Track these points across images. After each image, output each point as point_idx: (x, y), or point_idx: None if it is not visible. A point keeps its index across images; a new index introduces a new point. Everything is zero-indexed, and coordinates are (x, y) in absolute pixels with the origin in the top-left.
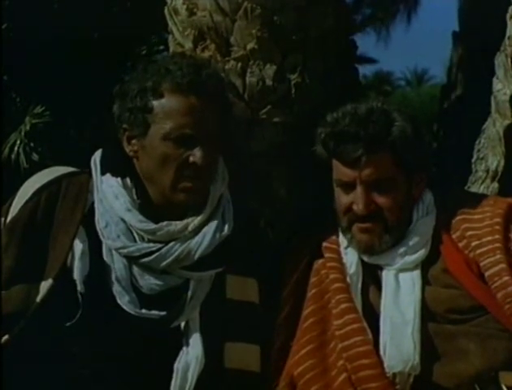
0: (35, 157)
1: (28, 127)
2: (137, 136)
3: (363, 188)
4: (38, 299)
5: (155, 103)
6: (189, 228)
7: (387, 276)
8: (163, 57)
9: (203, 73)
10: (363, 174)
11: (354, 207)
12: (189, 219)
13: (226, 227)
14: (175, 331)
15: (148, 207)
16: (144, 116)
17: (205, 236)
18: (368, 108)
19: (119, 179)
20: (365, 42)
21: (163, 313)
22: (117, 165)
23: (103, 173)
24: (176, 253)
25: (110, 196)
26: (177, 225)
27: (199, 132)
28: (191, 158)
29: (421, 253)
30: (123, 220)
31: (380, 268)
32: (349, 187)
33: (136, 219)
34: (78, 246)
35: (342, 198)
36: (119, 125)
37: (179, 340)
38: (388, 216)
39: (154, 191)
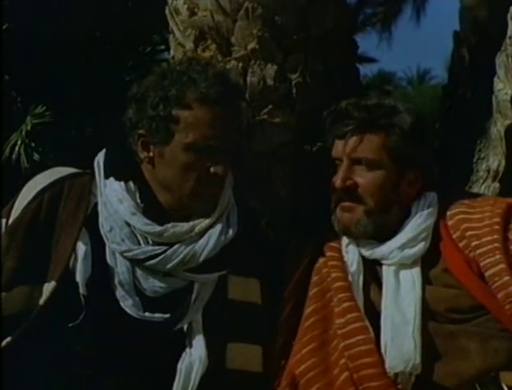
0: (36, 157)
1: (28, 128)
2: (156, 144)
3: (346, 162)
4: (41, 301)
5: (179, 113)
6: (196, 230)
7: (387, 274)
8: (179, 63)
9: (228, 84)
10: (347, 147)
11: (334, 181)
12: (196, 221)
13: (230, 229)
14: (178, 332)
15: (151, 211)
16: (167, 125)
17: (210, 239)
18: (379, 102)
19: (122, 183)
20: (366, 42)
21: (167, 315)
22: (121, 169)
23: (107, 177)
24: (181, 256)
25: (114, 200)
26: (183, 226)
27: (223, 144)
28: (212, 169)
29: (420, 248)
30: (127, 224)
31: (381, 265)
32: (339, 165)
33: (141, 222)
34: (81, 248)
35: (334, 177)
36: (135, 130)
37: (182, 341)
38: (364, 196)
39: (169, 197)
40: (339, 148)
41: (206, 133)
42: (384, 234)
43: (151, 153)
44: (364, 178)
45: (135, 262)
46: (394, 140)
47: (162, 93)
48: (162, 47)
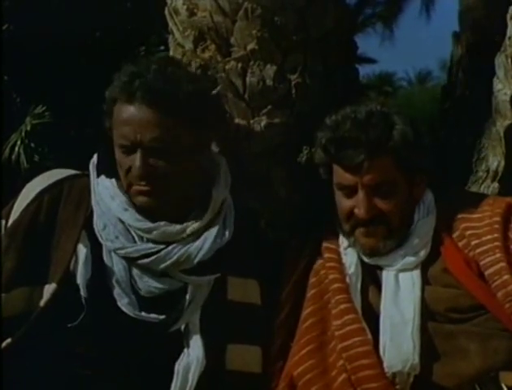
0: (35, 157)
1: (28, 128)
2: (112, 139)
3: (365, 192)
4: (42, 303)
5: (114, 110)
6: (187, 231)
7: (387, 276)
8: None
9: (136, 82)
10: (365, 179)
11: (356, 211)
12: (189, 223)
13: (227, 232)
14: (175, 332)
15: (145, 209)
16: (109, 121)
17: (205, 241)
18: (368, 111)
19: (113, 180)
20: (366, 42)
21: (162, 316)
22: (111, 166)
23: (99, 175)
24: (176, 257)
25: (107, 197)
26: (175, 227)
27: (135, 142)
28: (132, 168)
29: (421, 254)
30: (120, 221)
31: (380, 268)
32: (350, 191)
33: (133, 218)
34: (82, 251)
35: (343, 202)
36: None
37: (179, 342)
38: (390, 220)
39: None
40: (349, 177)
41: (122, 132)
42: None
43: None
44: (385, 203)
45: (129, 260)
46: (401, 156)
47: (107, 92)
48: (162, 48)
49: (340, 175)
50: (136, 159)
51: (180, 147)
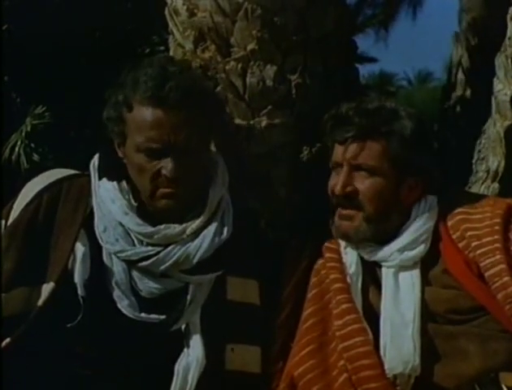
0: (35, 157)
1: (28, 128)
2: (119, 144)
3: (347, 169)
4: (40, 302)
5: (127, 115)
6: (187, 232)
7: (386, 276)
8: (146, 63)
9: (167, 86)
10: (348, 154)
11: (335, 188)
12: (188, 223)
13: (225, 230)
14: (175, 332)
15: (146, 210)
16: (119, 127)
17: (204, 240)
18: (380, 105)
19: (115, 183)
20: (367, 42)
21: (163, 317)
22: (113, 169)
23: (100, 177)
24: (175, 257)
25: (107, 200)
26: (175, 228)
27: (167, 145)
28: (163, 171)
29: (420, 250)
30: (121, 224)
31: (380, 267)
32: (339, 168)
33: (133, 222)
34: (79, 250)
35: (332, 180)
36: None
37: (180, 342)
38: (363, 202)
39: (142, 196)
40: (339, 153)
41: (149, 135)
42: (383, 238)
43: (121, 154)
44: (364, 184)
45: (129, 263)
46: (395, 147)
47: (115, 96)
48: (162, 48)
49: (334, 152)
50: (169, 162)
51: (202, 147)
